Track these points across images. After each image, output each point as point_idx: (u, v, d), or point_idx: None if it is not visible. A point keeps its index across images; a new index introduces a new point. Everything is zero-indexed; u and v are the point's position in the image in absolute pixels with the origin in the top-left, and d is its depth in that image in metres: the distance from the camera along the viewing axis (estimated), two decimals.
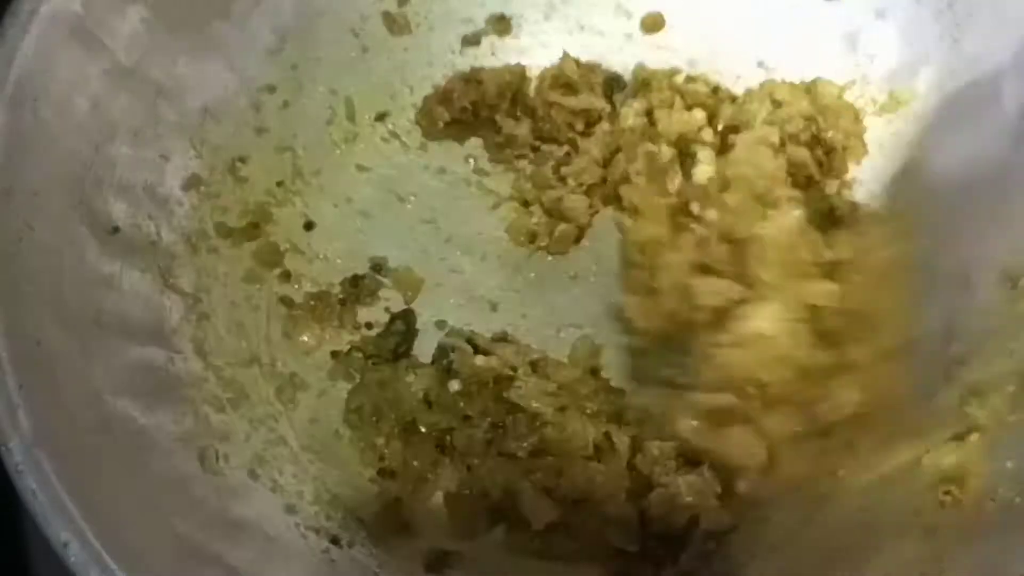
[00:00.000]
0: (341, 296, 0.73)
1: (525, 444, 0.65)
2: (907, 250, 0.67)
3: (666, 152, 0.71)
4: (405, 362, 0.70)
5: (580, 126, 0.75)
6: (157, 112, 0.66)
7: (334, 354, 0.71)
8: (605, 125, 0.75)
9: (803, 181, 0.71)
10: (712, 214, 0.67)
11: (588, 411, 0.67)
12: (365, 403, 0.68)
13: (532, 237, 0.74)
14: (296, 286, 0.73)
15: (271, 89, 0.73)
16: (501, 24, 0.77)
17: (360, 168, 0.77)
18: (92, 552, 0.50)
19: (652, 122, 0.74)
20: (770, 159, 0.69)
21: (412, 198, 0.76)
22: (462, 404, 0.67)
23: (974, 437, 0.64)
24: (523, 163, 0.76)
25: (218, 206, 0.71)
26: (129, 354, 0.61)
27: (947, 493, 0.62)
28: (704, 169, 0.71)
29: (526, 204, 0.75)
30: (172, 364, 0.64)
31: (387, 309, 0.73)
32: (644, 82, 0.76)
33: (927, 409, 0.64)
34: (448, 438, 0.67)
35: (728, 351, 0.63)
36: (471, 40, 0.77)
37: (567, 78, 0.75)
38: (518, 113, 0.76)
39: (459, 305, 0.73)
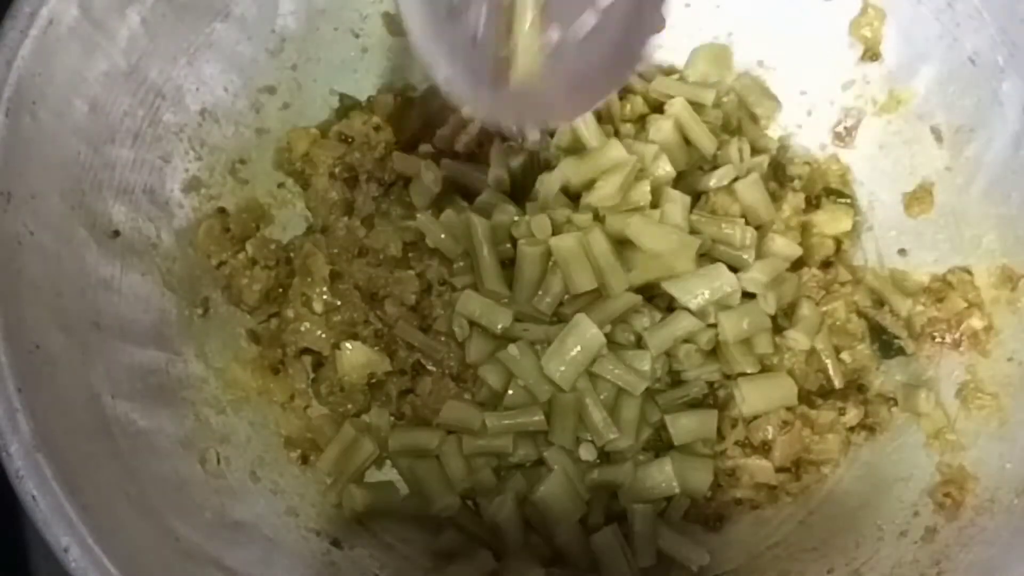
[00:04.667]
0: None
1: None
2: None
3: None
4: None
5: None
6: (157, 114, 0.66)
7: None
8: None
9: None
10: None
11: None
12: None
13: None
14: None
15: (271, 90, 0.72)
16: None
17: None
18: (92, 556, 0.50)
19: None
20: None
21: None
22: None
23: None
24: None
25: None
26: (129, 357, 0.61)
27: (947, 495, 0.62)
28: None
29: None
30: (172, 366, 0.64)
31: None
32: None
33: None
34: None
35: None
36: None
37: None
38: None
39: None
